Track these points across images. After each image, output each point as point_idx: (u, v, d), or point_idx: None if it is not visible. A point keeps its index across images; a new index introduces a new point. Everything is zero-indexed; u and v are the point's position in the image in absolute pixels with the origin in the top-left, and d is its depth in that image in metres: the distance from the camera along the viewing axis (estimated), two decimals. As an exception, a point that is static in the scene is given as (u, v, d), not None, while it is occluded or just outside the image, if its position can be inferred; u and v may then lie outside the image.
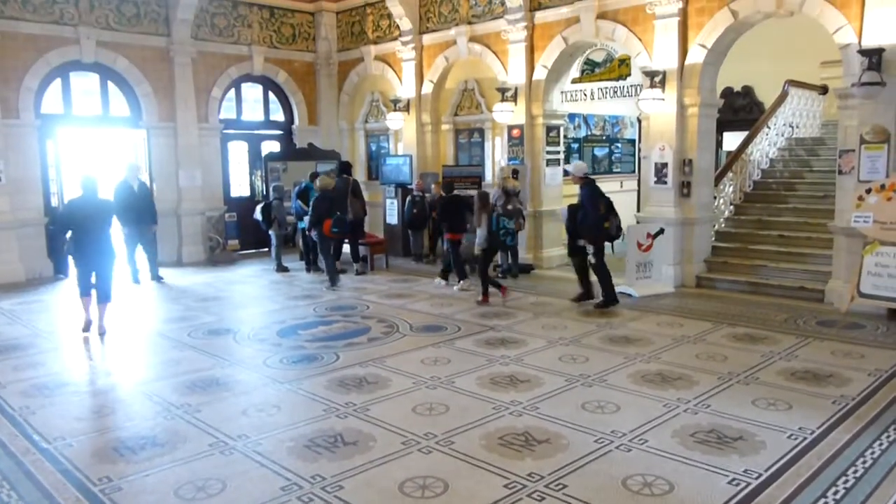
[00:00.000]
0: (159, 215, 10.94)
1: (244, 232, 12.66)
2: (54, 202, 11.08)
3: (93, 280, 7.29)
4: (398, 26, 12.47)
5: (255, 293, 9.64)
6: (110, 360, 6.51)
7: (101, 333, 7.26)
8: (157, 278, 10.42)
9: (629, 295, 8.64)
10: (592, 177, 8.61)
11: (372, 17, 13.29)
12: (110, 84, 11.71)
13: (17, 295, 9.45)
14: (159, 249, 11.44)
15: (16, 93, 10.47)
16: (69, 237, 7.22)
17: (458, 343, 6.65)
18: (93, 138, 13.84)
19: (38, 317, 8.21)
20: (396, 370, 5.78)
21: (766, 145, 11.28)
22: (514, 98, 10.74)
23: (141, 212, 10.20)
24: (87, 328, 7.29)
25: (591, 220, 7.93)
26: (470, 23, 11.47)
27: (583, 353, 6.19)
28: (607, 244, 8.16)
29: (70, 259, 8.01)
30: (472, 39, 11.48)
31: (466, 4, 11.54)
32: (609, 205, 8.03)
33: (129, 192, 10.18)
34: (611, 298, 8.05)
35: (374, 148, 14.16)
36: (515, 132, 10.84)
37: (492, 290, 8.59)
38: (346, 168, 11.38)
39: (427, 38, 12.25)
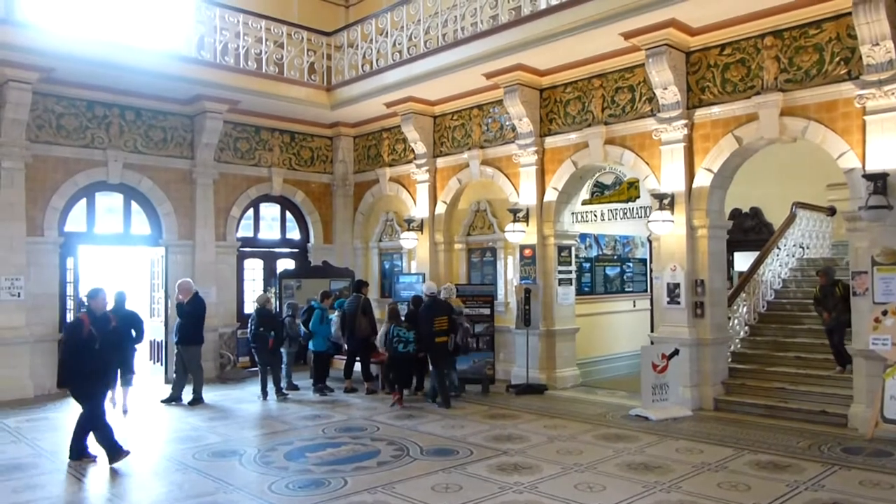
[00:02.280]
0: (172, 332, 10.92)
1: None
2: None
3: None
4: (413, 150, 12.95)
5: (264, 412, 9.48)
6: (112, 484, 6.33)
7: (125, 412, 9.35)
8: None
9: (646, 418, 8.42)
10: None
11: (388, 141, 13.83)
12: (133, 203, 12.10)
13: (24, 412, 9.34)
14: (169, 366, 11.43)
15: (42, 212, 10.83)
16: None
17: (470, 468, 6.44)
18: (112, 255, 14.18)
19: (43, 435, 8.07)
20: (406, 497, 5.57)
21: (778, 266, 11.32)
22: (526, 219, 10.96)
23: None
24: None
25: (424, 333, 9.60)
26: (482, 147, 11.90)
27: (600, 482, 5.96)
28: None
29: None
30: (485, 162, 11.87)
31: (479, 130, 12.01)
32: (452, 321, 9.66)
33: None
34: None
35: (387, 266, 14.33)
36: (527, 252, 10.98)
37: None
38: (359, 286, 11.48)
39: (441, 161, 12.68)
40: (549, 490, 5.72)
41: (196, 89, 11.57)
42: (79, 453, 6.91)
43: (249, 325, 10.73)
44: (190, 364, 10.14)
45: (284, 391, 10.54)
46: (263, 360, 10.51)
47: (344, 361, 11.08)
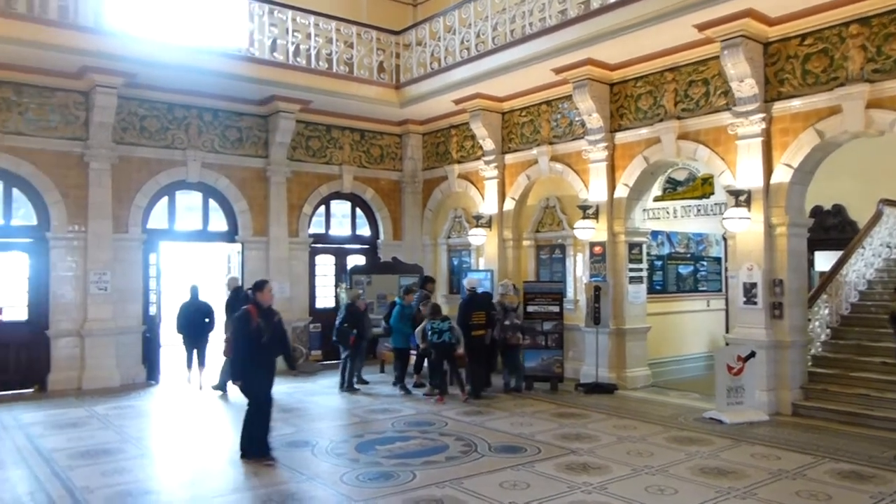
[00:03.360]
0: None
1: (327, 343, 12.88)
2: (152, 311, 11.68)
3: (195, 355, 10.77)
4: (481, 147, 12.96)
5: (335, 405, 9.69)
6: (193, 470, 6.60)
7: (200, 387, 10.50)
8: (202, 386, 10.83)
9: (720, 421, 8.19)
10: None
11: (456, 138, 13.88)
12: (211, 201, 12.55)
13: (112, 400, 9.83)
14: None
15: (127, 210, 11.35)
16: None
17: (538, 466, 6.42)
18: (191, 251, 14.76)
19: (129, 422, 8.48)
20: (474, 493, 5.60)
21: (862, 266, 10.79)
22: (596, 215, 10.82)
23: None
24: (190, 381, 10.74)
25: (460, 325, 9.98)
26: (551, 143, 11.81)
27: (671, 485, 5.84)
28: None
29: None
30: (554, 158, 11.77)
31: (548, 126, 11.92)
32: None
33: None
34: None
35: (455, 262, 14.40)
36: (597, 249, 10.84)
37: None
38: (424, 283, 11.59)
39: (509, 158, 12.65)
40: (618, 491, 5.65)
41: (270, 90, 11.89)
42: (253, 452, 6.66)
43: (337, 318, 11.05)
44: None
45: (354, 385, 10.75)
46: (346, 354, 10.81)
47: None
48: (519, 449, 7.07)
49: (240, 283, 11.72)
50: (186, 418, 8.98)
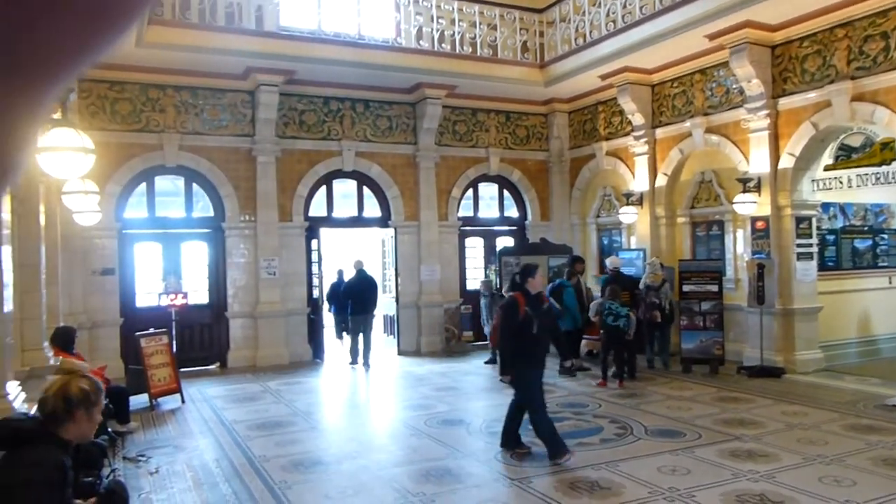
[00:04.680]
0: (402, 307, 11.96)
1: (477, 324, 13.12)
2: (315, 294, 12.45)
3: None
4: (630, 122, 12.55)
5: (488, 385, 9.85)
6: (358, 444, 7.00)
7: (366, 367, 11.12)
8: (367, 365, 11.41)
9: (906, 408, 7.48)
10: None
11: (604, 114, 13.53)
12: (365, 188, 13.12)
13: (282, 377, 10.61)
14: (401, 339, 12.43)
15: (290, 200, 12.13)
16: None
17: (699, 452, 6.19)
18: (347, 237, 15.54)
19: (298, 397, 9.12)
20: (630, 476, 5.51)
21: None
22: (758, 188, 10.15)
23: (367, 302, 11.66)
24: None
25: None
26: (706, 114, 11.20)
27: (849, 476, 5.42)
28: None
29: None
30: (709, 130, 11.16)
31: (702, 96, 11.32)
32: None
33: (359, 284, 11.72)
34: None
35: (605, 242, 14.09)
36: (760, 224, 10.18)
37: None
38: (575, 262, 11.49)
39: (660, 132, 12.15)
40: (788, 481, 5.32)
41: (417, 77, 12.18)
42: (513, 443, 6.27)
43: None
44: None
45: None
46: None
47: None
48: (677, 433, 6.84)
49: (363, 266, 12.16)
50: (350, 394, 9.52)
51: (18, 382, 4.58)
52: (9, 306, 4.42)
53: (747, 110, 10.28)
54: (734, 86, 10.60)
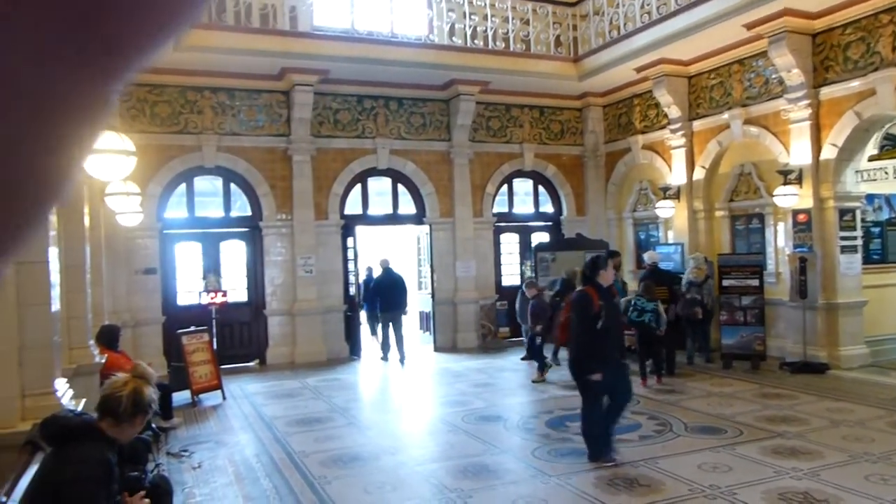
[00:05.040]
0: (438, 304, 12.05)
1: (513, 320, 13.07)
2: (351, 291, 12.55)
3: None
4: (666, 115, 12.38)
5: (524, 381, 9.82)
6: (395, 439, 7.04)
7: (402, 361, 11.34)
8: (402, 359, 11.57)
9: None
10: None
11: (639, 107, 13.37)
12: (399, 185, 13.17)
13: (320, 373, 10.72)
14: (437, 336, 12.49)
15: (326, 198, 12.24)
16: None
17: (740, 449, 6.09)
18: (382, 234, 15.64)
19: (336, 394, 9.21)
20: (670, 473, 5.45)
21: None
22: (799, 180, 9.92)
23: (395, 299, 11.85)
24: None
25: None
26: (744, 105, 10.99)
27: (897, 473, 5.29)
28: None
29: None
30: (748, 122, 10.95)
31: (740, 87, 11.11)
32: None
33: (386, 282, 11.93)
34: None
35: (642, 237, 13.93)
36: (801, 217, 9.96)
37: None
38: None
39: (697, 124, 11.96)
40: (832, 479, 5.21)
41: (450, 74, 12.18)
42: (596, 454, 5.76)
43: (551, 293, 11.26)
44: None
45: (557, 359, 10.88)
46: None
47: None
48: (718, 430, 6.74)
49: (389, 264, 12.30)
50: (387, 390, 9.59)
51: (66, 379, 4.70)
52: (56, 306, 4.54)
53: (787, 100, 10.06)
54: (773, 76, 10.38)
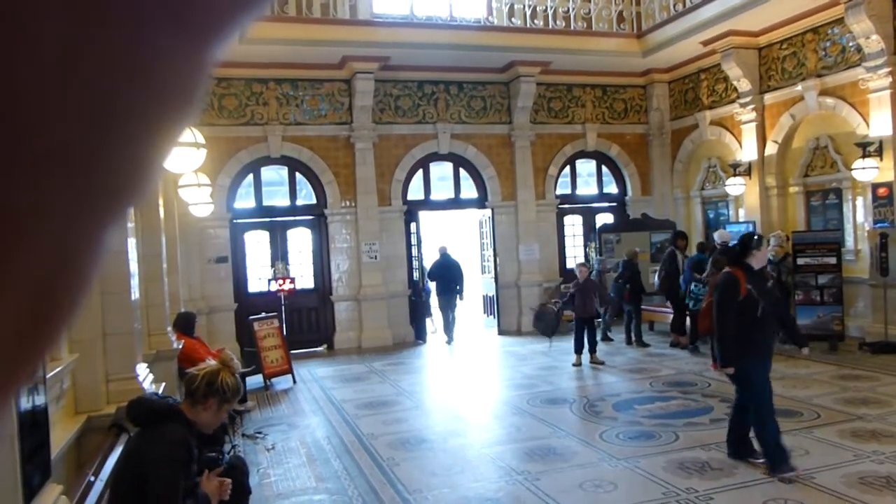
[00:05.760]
0: (502, 287, 12.11)
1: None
2: (415, 276, 12.66)
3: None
4: (735, 88, 11.95)
5: (587, 364, 9.73)
6: (462, 422, 7.10)
7: (449, 341, 11.82)
8: (450, 341, 11.99)
9: None
10: None
11: (706, 82, 12.95)
12: (461, 170, 13.17)
13: (386, 357, 10.89)
14: (501, 319, 12.54)
15: (388, 184, 12.36)
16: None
17: (817, 432, 5.90)
18: (445, 219, 15.69)
19: (402, 377, 9.34)
20: (743, 457, 5.31)
21: None
22: (880, 152, 9.45)
23: (451, 283, 12.14)
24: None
25: None
26: (819, 75, 10.51)
27: None
28: None
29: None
30: (823, 93, 10.47)
31: (814, 57, 10.62)
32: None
33: (442, 267, 12.19)
34: None
35: (711, 215, 13.54)
36: (882, 191, 9.49)
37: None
38: (677, 238, 11.14)
39: (768, 97, 11.51)
40: (918, 463, 4.99)
41: (509, 56, 12.06)
42: (737, 450, 5.29)
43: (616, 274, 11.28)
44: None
45: (643, 340, 10.86)
46: (627, 308, 10.93)
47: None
48: (794, 413, 6.54)
49: (447, 251, 12.41)
50: (453, 374, 9.66)
51: (146, 364, 4.93)
52: (136, 294, 4.76)
53: (866, 69, 9.57)
54: (851, 44, 9.89)
